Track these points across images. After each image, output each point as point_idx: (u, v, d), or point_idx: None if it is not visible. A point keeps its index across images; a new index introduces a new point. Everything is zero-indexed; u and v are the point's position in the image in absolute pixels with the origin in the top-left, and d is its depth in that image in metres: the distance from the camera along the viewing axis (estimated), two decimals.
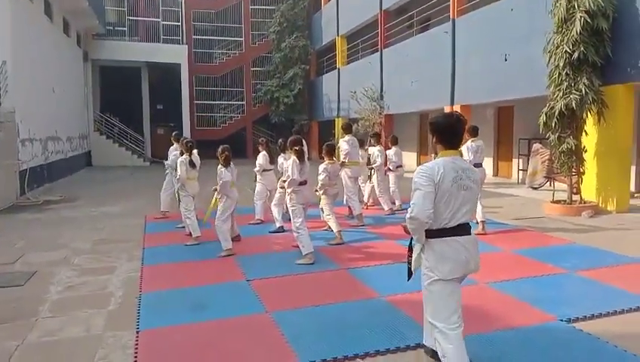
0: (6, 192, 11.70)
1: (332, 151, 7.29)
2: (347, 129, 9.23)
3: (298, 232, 6.31)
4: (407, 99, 16.96)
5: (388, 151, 10.04)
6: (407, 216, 2.98)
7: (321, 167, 7.13)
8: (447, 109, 14.39)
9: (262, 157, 8.76)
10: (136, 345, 3.96)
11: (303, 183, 6.45)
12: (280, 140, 8.64)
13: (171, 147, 9.35)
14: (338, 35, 23.52)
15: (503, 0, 12.11)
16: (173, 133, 9.64)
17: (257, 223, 8.69)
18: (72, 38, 20.37)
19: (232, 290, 5.30)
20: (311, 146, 22.43)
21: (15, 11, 12.91)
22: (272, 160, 8.76)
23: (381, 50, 19.03)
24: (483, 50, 12.94)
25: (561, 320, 4.18)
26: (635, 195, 10.87)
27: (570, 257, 6.17)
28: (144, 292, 5.27)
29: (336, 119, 23.27)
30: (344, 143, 8.90)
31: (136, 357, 3.75)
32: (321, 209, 7.62)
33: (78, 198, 12.65)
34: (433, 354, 3.35)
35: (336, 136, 22.24)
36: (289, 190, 6.44)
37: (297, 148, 6.43)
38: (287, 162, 6.68)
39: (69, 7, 18.43)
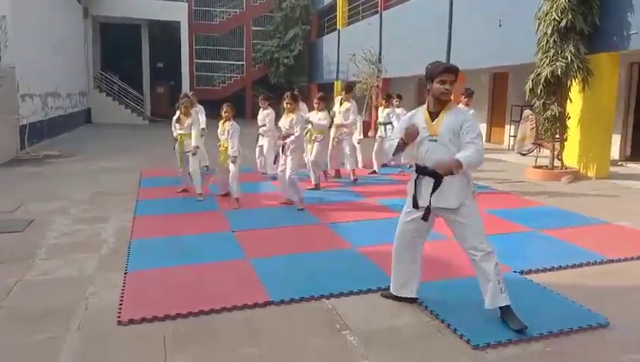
0: (7, 146, 12.01)
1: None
2: (350, 90, 9.45)
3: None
4: (404, 63, 17.01)
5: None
6: (482, 155, 3.45)
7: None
8: None
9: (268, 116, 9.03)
10: (124, 284, 4.34)
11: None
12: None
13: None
14: None
15: None
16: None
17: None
18: None
19: (217, 240, 5.68)
20: (310, 107, 22.56)
21: None
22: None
23: (381, 13, 18.99)
24: (478, 15, 13.00)
25: (515, 271, 4.54)
26: (619, 163, 11.17)
27: (538, 218, 6.51)
28: (134, 239, 5.64)
29: (335, 82, 23.36)
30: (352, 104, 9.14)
31: (122, 293, 4.13)
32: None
33: (76, 154, 12.97)
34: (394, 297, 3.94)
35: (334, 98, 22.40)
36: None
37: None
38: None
39: None
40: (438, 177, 3.47)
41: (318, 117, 8.20)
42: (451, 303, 3.89)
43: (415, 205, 3.63)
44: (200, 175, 7.79)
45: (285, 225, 6.28)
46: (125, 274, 4.58)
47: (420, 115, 3.62)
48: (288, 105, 7.15)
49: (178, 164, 8.01)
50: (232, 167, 7.14)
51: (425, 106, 3.64)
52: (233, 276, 4.53)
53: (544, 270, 4.67)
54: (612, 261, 4.96)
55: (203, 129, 9.21)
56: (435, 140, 3.49)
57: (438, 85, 3.46)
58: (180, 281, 4.40)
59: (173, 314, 3.70)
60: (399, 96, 10.02)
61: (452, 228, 3.64)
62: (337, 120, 9.08)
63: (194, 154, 7.50)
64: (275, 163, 7.68)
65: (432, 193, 3.51)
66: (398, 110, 9.70)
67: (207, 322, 3.66)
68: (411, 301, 3.88)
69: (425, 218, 3.58)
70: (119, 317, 3.69)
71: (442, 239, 4.95)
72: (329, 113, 8.68)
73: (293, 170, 6.96)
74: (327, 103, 8.60)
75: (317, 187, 8.34)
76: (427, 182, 3.54)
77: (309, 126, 8.23)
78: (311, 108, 8.87)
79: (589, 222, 6.46)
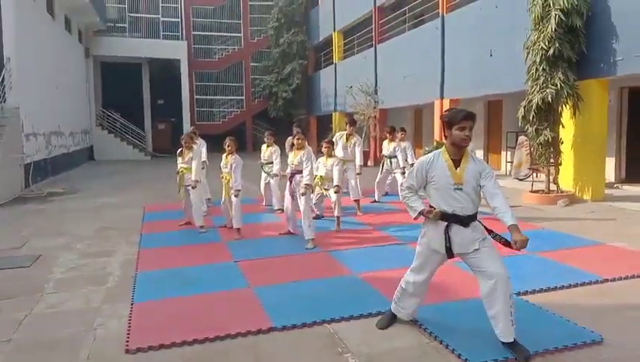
0: (11, 185, 12.22)
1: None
2: (354, 123, 9.71)
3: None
4: (400, 94, 17.41)
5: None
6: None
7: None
8: (437, 103, 14.85)
9: (274, 153, 9.01)
10: (130, 314, 4.46)
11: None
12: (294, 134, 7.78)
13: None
14: (335, 31, 23.97)
15: None
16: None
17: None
18: (74, 35, 20.87)
19: (220, 270, 5.80)
20: (310, 140, 22.95)
21: (18, 10, 13.37)
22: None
23: (375, 46, 19.46)
24: (470, 45, 13.37)
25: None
26: (615, 186, 11.33)
27: (534, 241, 6.46)
28: (140, 271, 5.77)
29: (333, 113, 23.75)
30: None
31: (129, 323, 4.24)
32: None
33: (80, 191, 13.17)
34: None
35: (333, 130, 22.73)
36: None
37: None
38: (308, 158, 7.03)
39: (71, 4, 18.94)
40: (470, 223, 3.59)
41: (330, 163, 7.80)
42: (449, 324, 4.01)
43: (451, 255, 3.68)
44: (200, 208, 7.95)
45: (287, 254, 6.40)
46: (132, 305, 4.70)
47: (441, 162, 3.62)
48: (299, 141, 7.11)
49: (180, 196, 8.17)
50: (234, 199, 7.30)
51: (444, 153, 3.64)
52: (237, 304, 4.65)
53: (540, 291, 4.79)
54: (607, 280, 5.08)
55: (204, 162, 9.42)
56: (461, 188, 3.54)
57: (458, 132, 3.49)
58: (185, 310, 4.52)
59: (180, 342, 3.81)
60: (403, 130, 10.14)
61: (470, 263, 3.70)
62: (343, 155, 9.06)
63: (193, 188, 7.68)
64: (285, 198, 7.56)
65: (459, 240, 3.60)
66: (404, 143, 9.86)
67: (212, 348, 3.77)
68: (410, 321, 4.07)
69: (450, 257, 3.69)
70: (127, 345, 3.80)
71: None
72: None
73: (307, 207, 6.87)
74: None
75: (318, 217, 8.46)
76: (457, 230, 3.59)
77: (318, 172, 7.80)
78: (310, 145, 8.94)
79: (584, 243, 6.59)
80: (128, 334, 4.01)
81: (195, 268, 5.89)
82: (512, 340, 3.50)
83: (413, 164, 9.30)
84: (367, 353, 3.64)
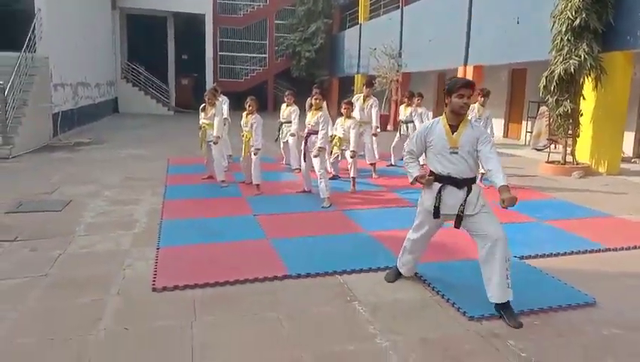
0: (41, 133, 12.66)
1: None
2: (371, 85, 9.75)
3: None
4: (425, 58, 17.29)
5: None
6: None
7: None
8: (460, 69, 14.78)
9: (294, 113, 9.23)
10: (157, 257, 4.81)
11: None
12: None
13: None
14: None
15: None
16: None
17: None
18: None
19: (240, 222, 6.12)
20: (330, 102, 23.02)
21: None
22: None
23: (402, 7, 19.22)
24: (497, 12, 13.20)
25: (515, 256, 4.87)
26: (632, 160, 11.34)
27: (544, 210, 6.82)
28: (164, 219, 6.12)
29: (356, 75, 23.67)
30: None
31: (156, 265, 4.60)
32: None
33: (105, 142, 13.57)
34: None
35: (355, 93, 22.74)
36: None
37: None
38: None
39: None
40: (465, 186, 3.74)
41: (347, 125, 7.94)
42: (451, 281, 4.28)
43: (437, 215, 3.82)
44: (222, 164, 8.24)
45: (303, 211, 6.70)
46: (157, 249, 5.05)
47: (439, 127, 3.79)
48: (317, 102, 7.22)
49: (202, 151, 8.47)
50: (254, 157, 7.57)
51: (443, 119, 3.82)
52: (255, 253, 4.98)
53: (543, 256, 5.02)
54: (609, 249, 5.28)
55: (226, 118, 9.65)
56: (456, 152, 3.70)
57: (457, 100, 3.66)
58: (207, 256, 4.86)
59: (202, 283, 4.15)
60: (420, 95, 10.20)
61: (469, 227, 3.80)
62: (360, 117, 9.17)
63: (215, 143, 7.93)
64: (301, 157, 7.73)
65: (464, 202, 3.72)
66: (420, 109, 9.86)
67: (231, 291, 4.11)
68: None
69: (457, 225, 3.79)
70: (154, 284, 4.16)
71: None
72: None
73: (321, 168, 7.04)
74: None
75: (335, 177, 8.69)
76: (450, 191, 3.75)
77: (336, 132, 8.14)
78: (330, 106, 9.13)
79: (593, 214, 6.77)
80: (155, 274, 4.36)
81: (217, 219, 6.23)
82: (504, 301, 3.65)
83: None
84: (373, 302, 3.94)
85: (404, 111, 10.19)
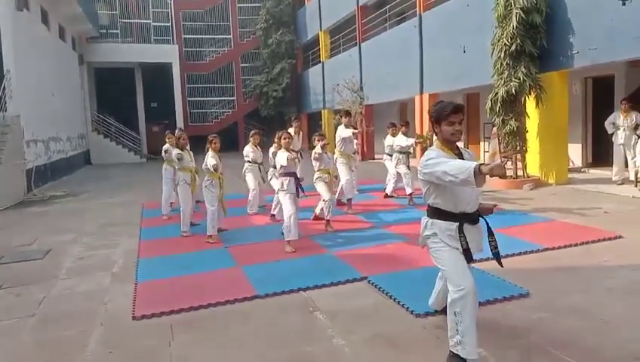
0: (15, 189, 12.92)
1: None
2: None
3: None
4: (384, 90, 18.17)
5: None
6: None
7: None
8: (417, 98, 15.62)
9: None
10: (135, 291, 5.21)
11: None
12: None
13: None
14: (321, 30, 24.67)
15: None
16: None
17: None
18: (68, 43, 21.52)
19: (212, 255, 6.54)
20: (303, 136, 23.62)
21: (15, 22, 14.06)
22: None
23: (359, 44, 20.21)
24: (445, 42, 14.12)
25: None
26: (582, 170, 12.13)
27: (491, 219, 7.38)
28: (141, 258, 6.52)
29: (322, 111, 24.49)
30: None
31: (134, 298, 4.99)
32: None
33: (80, 193, 13.86)
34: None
35: (323, 128, 23.50)
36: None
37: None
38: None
39: (64, 14, 19.59)
40: (475, 222, 3.41)
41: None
42: (400, 287, 4.79)
43: (470, 258, 3.39)
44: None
45: (271, 240, 7.12)
46: (135, 284, 5.45)
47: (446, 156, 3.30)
48: (285, 141, 6.74)
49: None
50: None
51: (442, 149, 3.36)
52: (226, 279, 5.42)
53: (487, 259, 5.54)
54: (547, 249, 5.88)
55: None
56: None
57: (447, 127, 3.27)
58: (182, 286, 5.28)
59: (177, 309, 4.57)
60: (407, 123, 10.03)
61: None
62: (345, 148, 9.12)
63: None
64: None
65: (491, 237, 3.46)
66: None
67: (205, 313, 4.53)
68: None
69: (500, 264, 3.60)
70: (133, 313, 4.56)
71: (399, 241, 5.85)
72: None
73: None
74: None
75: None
76: (470, 229, 3.37)
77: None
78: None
79: (536, 220, 7.41)
80: (134, 305, 4.76)
81: (190, 254, 6.65)
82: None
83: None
84: (332, 310, 4.41)
85: (389, 141, 9.94)
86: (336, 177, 8.51)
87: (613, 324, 3.88)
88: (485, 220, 3.49)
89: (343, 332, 3.93)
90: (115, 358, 3.76)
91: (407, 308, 4.27)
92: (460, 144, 3.50)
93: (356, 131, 9.30)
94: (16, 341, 4.16)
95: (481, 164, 2.90)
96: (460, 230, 3.30)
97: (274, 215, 8.35)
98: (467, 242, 3.30)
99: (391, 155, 9.91)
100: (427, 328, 3.93)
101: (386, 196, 10.04)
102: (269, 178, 8.55)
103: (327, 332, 3.98)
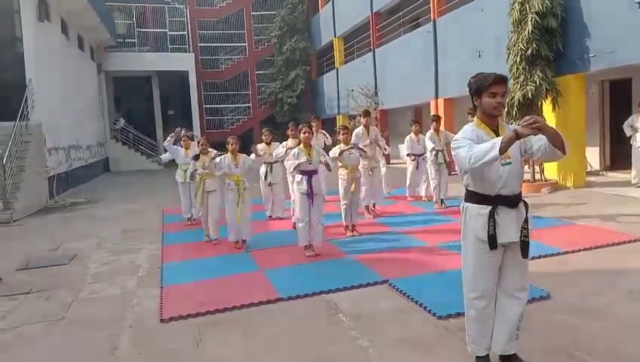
0: (38, 196, 13.20)
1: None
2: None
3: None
4: (399, 95, 18.23)
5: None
6: None
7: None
8: (432, 103, 15.65)
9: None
10: (161, 295, 5.33)
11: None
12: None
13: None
14: (335, 37, 24.83)
15: (475, 1, 13.30)
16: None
17: None
18: (87, 52, 21.89)
19: (235, 259, 6.67)
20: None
21: (37, 33, 14.38)
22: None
23: (373, 50, 20.31)
24: (460, 47, 14.15)
25: None
26: (600, 173, 12.08)
27: None
28: (165, 263, 6.65)
29: (337, 116, 24.61)
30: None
31: (161, 301, 5.12)
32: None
33: (101, 200, 14.12)
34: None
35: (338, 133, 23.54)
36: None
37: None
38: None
39: (83, 24, 19.93)
40: (519, 204, 3.13)
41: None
42: (422, 290, 4.85)
43: (494, 244, 3.05)
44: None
45: (291, 244, 7.20)
46: (161, 288, 5.57)
47: (481, 135, 3.05)
48: (305, 135, 6.55)
49: (198, 201, 8.13)
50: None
51: (479, 125, 3.12)
52: (249, 282, 5.53)
53: None
54: (567, 252, 5.89)
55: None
56: (510, 163, 3.00)
57: (489, 99, 3.00)
58: (206, 290, 5.40)
59: (204, 312, 4.68)
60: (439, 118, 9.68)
61: (507, 263, 3.21)
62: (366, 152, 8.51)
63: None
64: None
65: (526, 223, 3.12)
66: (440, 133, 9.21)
67: (230, 315, 4.64)
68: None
69: (525, 255, 3.16)
70: (161, 316, 4.67)
71: (419, 246, 5.92)
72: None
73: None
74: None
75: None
76: (506, 214, 3.07)
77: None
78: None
79: (556, 223, 7.40)
80: (161, 308, 4.88)
81: (212, 258, 6.78)
82: (512, 352, 3.27)
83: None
84: (356, 312, 4.48)
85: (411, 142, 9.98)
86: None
87: (635, 326, 3.91)
88: (526, 204, 3.18)
89: (367, 334, 4.01)
90: (145, 359, 3.87)
91: (430, 310, 4.33)
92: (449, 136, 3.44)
93: (367, 144, 8.78)
94: (48, 343, 4.30)
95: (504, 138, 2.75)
96: (492, 214, 3.03)
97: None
98: (495, 228, 3.02)
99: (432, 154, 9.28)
100: (450, 330, 3.99)
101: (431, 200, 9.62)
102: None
103: (351, 333, 4.06)
